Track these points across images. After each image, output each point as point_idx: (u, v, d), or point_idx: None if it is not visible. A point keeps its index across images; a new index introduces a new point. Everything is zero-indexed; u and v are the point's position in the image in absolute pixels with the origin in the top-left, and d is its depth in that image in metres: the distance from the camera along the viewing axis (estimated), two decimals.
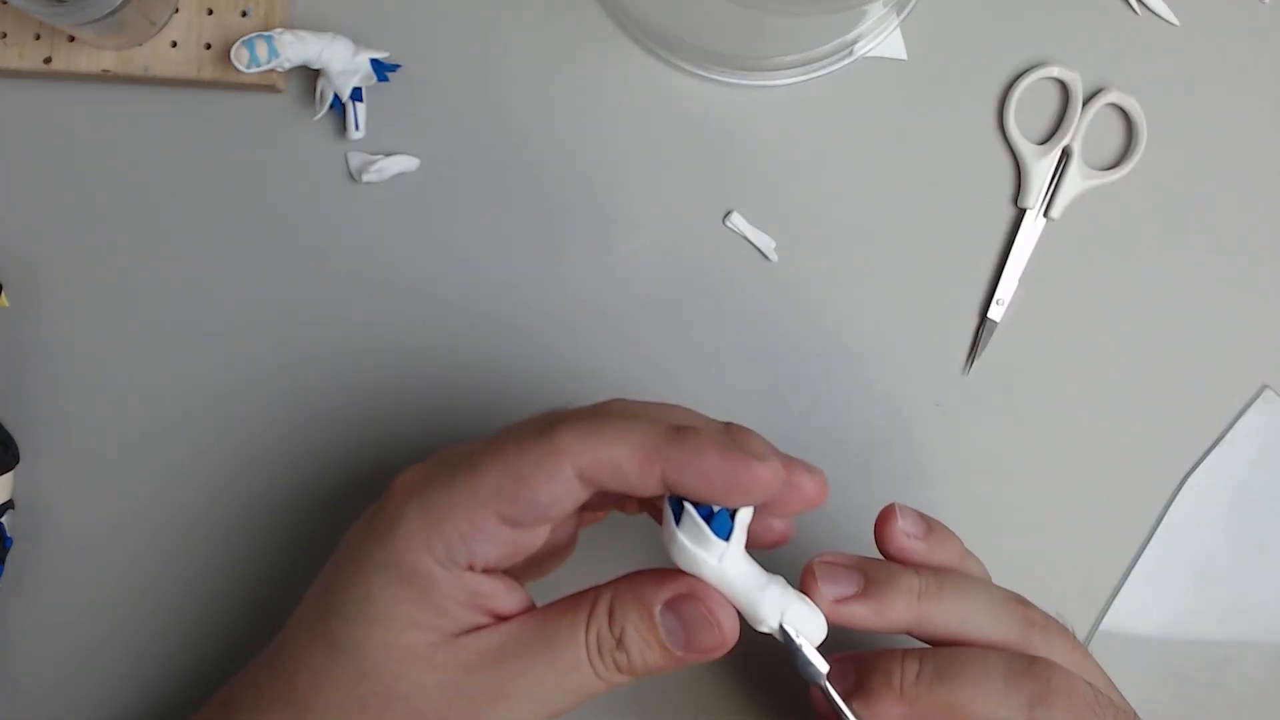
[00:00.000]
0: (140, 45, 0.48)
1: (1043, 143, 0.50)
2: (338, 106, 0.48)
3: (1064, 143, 0.49)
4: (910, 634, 0.38)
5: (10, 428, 0.47)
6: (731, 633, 0.35)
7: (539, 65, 0.49)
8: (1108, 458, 0.49)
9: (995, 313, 0.49)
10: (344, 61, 0.47)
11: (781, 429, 0.48)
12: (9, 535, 0.47)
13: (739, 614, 0.35)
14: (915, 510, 0.40)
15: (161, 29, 0.48)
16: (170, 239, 0.49)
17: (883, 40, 0.50)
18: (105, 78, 0.48)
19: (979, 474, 0.49)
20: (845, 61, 0.49)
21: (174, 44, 0.48)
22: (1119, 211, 0.50)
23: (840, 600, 0.37)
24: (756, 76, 0.49)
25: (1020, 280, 0.49)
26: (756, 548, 0.36)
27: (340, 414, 0.48)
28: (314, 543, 0.47)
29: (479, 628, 0.35)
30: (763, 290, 0.49)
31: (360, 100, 0.48)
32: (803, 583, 0.38)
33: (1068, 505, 0.49)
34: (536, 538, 0.35)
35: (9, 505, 0.47)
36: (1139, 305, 0.49)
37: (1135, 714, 0.39)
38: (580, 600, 0.36)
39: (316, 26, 0.47)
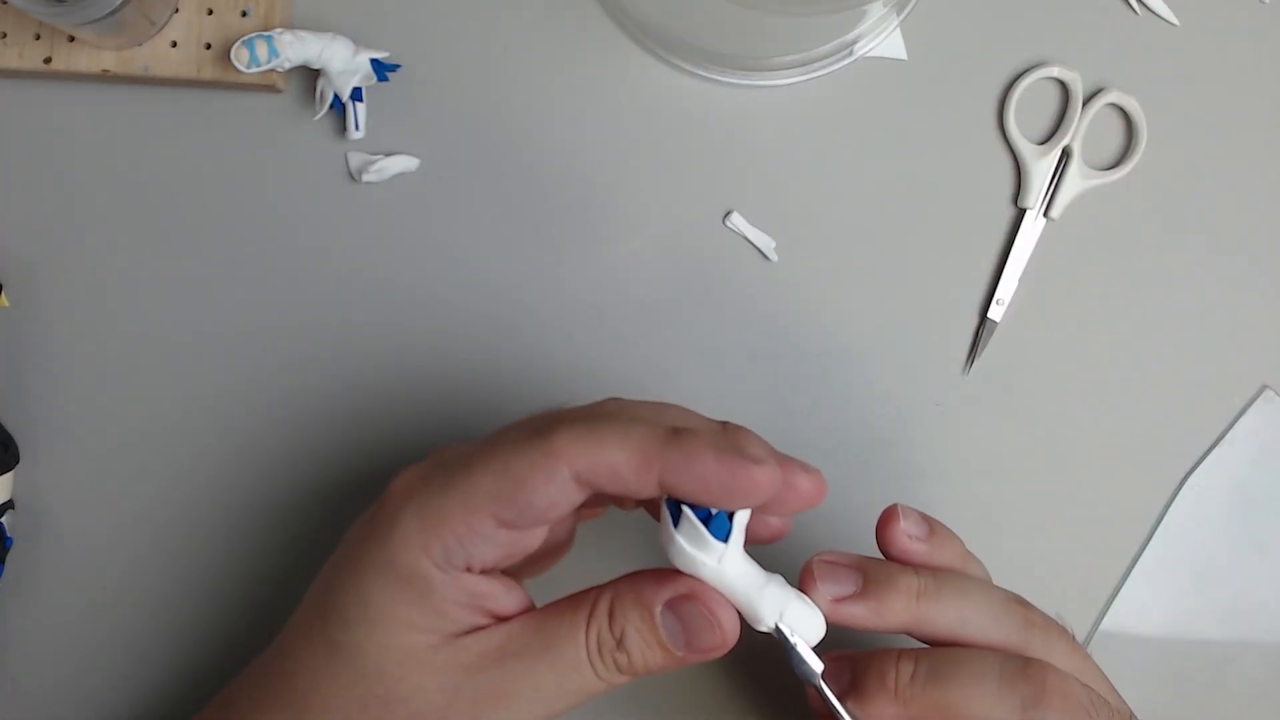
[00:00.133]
0: (140, 45, 0.48)
1: (1043, 143, 0.50)
2: (338, 106, 0.48)
3: (1064, 143, 0.49)
4: (909, 634, 0.38)
5: (10, 428, 0.47)
6: (732, 633, 0.35)
7: (539, 65, 0.49)
8: (1108, 458, 0.49)
9: (995, 313, 0.49)
10: (344, 61, 0.47)
11: (781, 429, 0.48)
12: (9, 535, 0.47)
13: (739, 613, 0.35)
14: (917, 511, 0.40)
15: (161, 29, 0.48)
16: (170, 239, 0.49)
17: (883, 40, 0.50)
18: (105, 78, 0.48)
19: (979, 474, 0.49)
20: (845, 61, 0.49)
21: (174, 44, 0.48)
22: (1119, 211, 0.50)
23: (839, 600, 0.37)
24: (756, 76, 0.49)
25: (1020, 280, 0.49)
26: (754, 543, 0.36)
27: (340, 414, 0.48)
28: (314, 542, 0.47)
29: (478, 629, 0.35)
30: (763, 290, 0.49)
31: (360, 100, 0.48)
32: (802, 582, 0.38)
33: (1068, 505, 0.49)
34: (534, 539, 0.35)
35: (9, 505, 0.47)
36: (1139, 305, 0.49)
37: (1133, 715, 0.39)
38: (580, 601, 0.36)
39: (316, 26, 0.47)
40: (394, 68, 0.48)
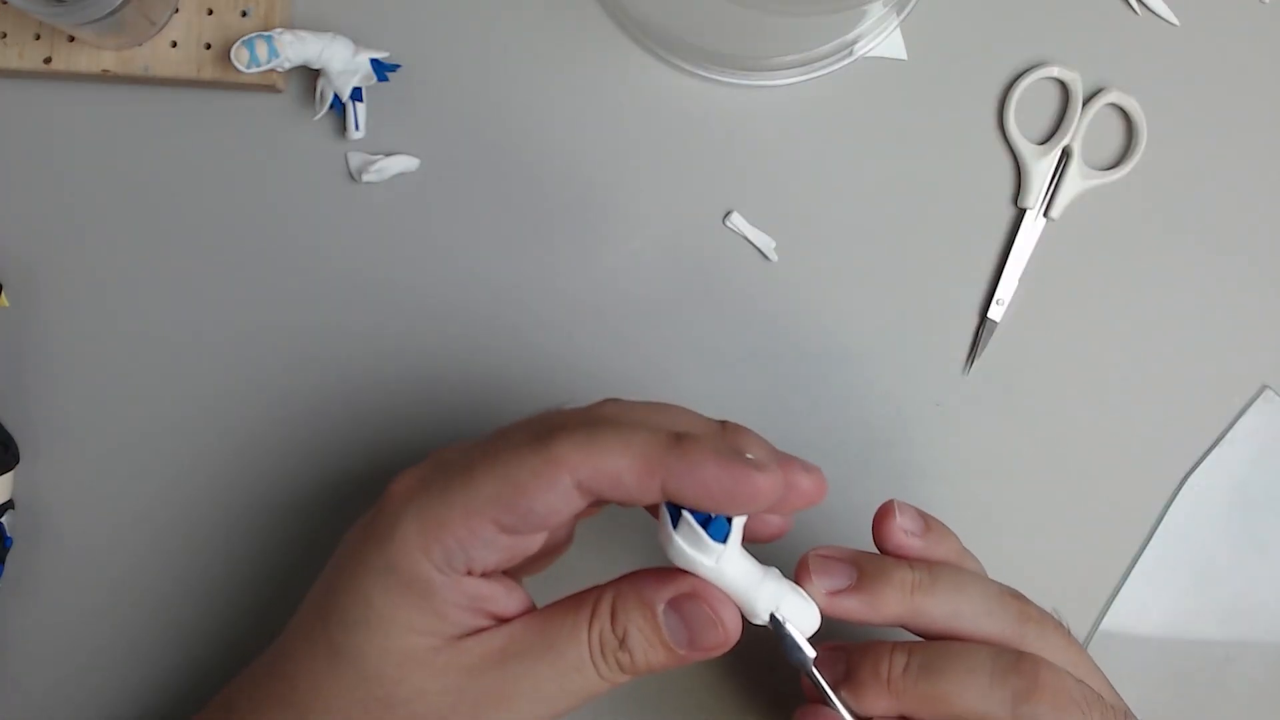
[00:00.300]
0: (140, 45, 0.48)
1: (1043, 143, 0.50)
2: (338, 106, 0.48)
3: (1064, 143, 0.49)
4: (904, 627, 0.39)
5: (10, 428, 0.47)
6: (735, 631, 0.35)
7: (539, 65, 0.49)
8: (1108, 458, 0.49)
9: (995, 313, 0.49)
10: (344, 61, 0.47)
11: (781, 429, 0.48)
12: (9, 535, 0.47)
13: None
14: (913, 507, 0.40)
15: (161, 29, 0.48)
16: (170, 239, 0.49)
17: (883, 40, 0.50)
18: (105, 78, 0.48)
19: (979, 474, 0.49)
20: (845, 61, 0.49)
21: (174, 44, 0.48)
22: (1119, 211, 0.50)
23: (834, 593, 0.38)
24: (756, 76, 0.49)
25: (1020, 280, 0.49)
26: (754, 541, 0.36)
27: (340, 414, 0.48)
28: (314, 543, 0.47)
29: (479, 630, 0.35)
30: (763, 290, 0.49)
31: (360, 100, 0.48)
32: (797, 576, 0.38)
33: (1068, 505, 0.49)
34: (534, 542, 0.35)
35: (9, 505, 0.47)
36: (1139, 305, 0.49)
37: (1129, 711, 0.39)
38: (581, 601, 0.36)
39: (316, 26, 0.47)
40: (394, 68, 0.48)
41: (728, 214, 0.49)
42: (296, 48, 0.46)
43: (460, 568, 0.34)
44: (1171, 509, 0.49)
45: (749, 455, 0.34)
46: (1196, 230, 0.50)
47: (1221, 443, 0.49)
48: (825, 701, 0.37)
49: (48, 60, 0.47)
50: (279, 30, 0.46)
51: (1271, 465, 0.49)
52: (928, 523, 0.40)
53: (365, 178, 0.48)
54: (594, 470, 0.33)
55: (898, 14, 0.50)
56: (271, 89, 0.48)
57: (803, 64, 0.49)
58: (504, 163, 0.49)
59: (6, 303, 0.48)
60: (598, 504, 0.39)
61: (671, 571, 0.35)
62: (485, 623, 0.35)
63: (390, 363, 0.48)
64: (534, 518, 0.33)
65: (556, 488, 0.33)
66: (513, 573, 0.38)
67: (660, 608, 0.35)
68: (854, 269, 0.49)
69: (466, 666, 0.34)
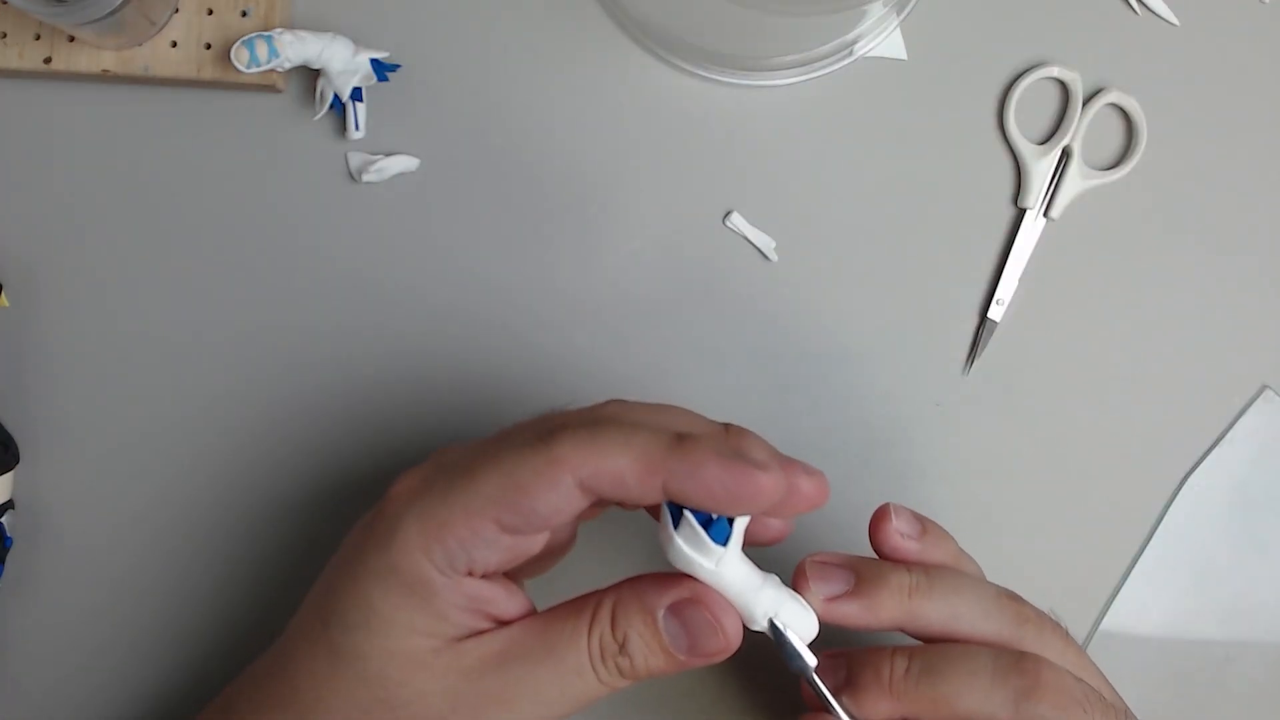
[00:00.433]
0: (140, 45, 0.48)
1: (1043, 143, 0.50)
2: (338, 106, 0.48)
3: (1064, 143, 0.49)
4: (903, 631, 0.39)
5: (10, 428, 0.47)
6: (735, 637, 0.35)
7: (539, 65, 0.49)
8: (1108, 458, 0.49)
9: (995, 313, 0.49)
10: (344, 61, 0.47)
11: (781, 429, 0.48)
12: (9, 535, 0.47)
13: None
14: (909, 510, 0.40)
15: (161, 29, 0.48)
16: (170, 239, 0.49)
17: (883, 40, 0.50)
18: (105, 78, 0.48)
19: (979, 474, 0.49)
20: (845, 61, 0.49)
21: (174, 44, 0.48)
22: (1119, 211, 0.50)
23: (832, 599, 0.37)
24: (756, 76, 0.49)
25: (1020, 280, 0.49)
26: (754, 545, 0.36)
27: (340, 414, 0.48)
28: (314, 543, 0.47)
29: (480, 632, 0.35)
30: (763, 290, 0.49)
31: (360, 100, 0.48)
32: (795, 582, 0.38)
33: (1068, 505, 0.49)
34: (536, 543, 0.35)
35: (9, 505, 0.47)
36: (1139, 305, 0.49)
37: (1129, 711, 0.39)
38: (582, 605, 0.36)
39: (316, 26, 0.47)
40: (394, 68, 0.48)
41: (728, 214, 0.49)
42: (296, 48, 0.46)
43: (461, 569, 0.34)
44: (1171, 509, 0.49)
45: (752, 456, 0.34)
46: (1196, 230, 0.50)
47: (1221, 443, 0.49)
48: (827, 709, 0.37)
49: (48, 60, 0.47)
50: (279, 30, 0.46)
51: (1271, 465, 0.49)
52: (924, 525, 0.40)
53: (365, 178, 0.48)
54: (596, 470, 0.33)
55: (898, 14, 0.50)
56: (271, 89, 0.48)
57: (803, 64, 0.49)
58: (504, 163, 0.49)
59: (6, 303, 0.48)
60: (600, 505, 0.39)
61: (673, 577, 0.35)
62: (485, 625, 0.35)
63: (390, 363, 0.48)
64: (536, 518, 0.33)
65: (559, 487, 0.33)
66: (516, 575, 0.38)
67: (660, 613, 0.35)
68: (854, 269, 0.49)
69: (466, 669, 0.34)
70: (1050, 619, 0.39)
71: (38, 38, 0.47)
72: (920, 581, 0.38)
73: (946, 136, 0.50)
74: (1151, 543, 0.48)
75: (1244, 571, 0.49)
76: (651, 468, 0.33)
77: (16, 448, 0.47)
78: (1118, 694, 0.39)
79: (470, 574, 0.34)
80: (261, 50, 0.46)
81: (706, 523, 0.34)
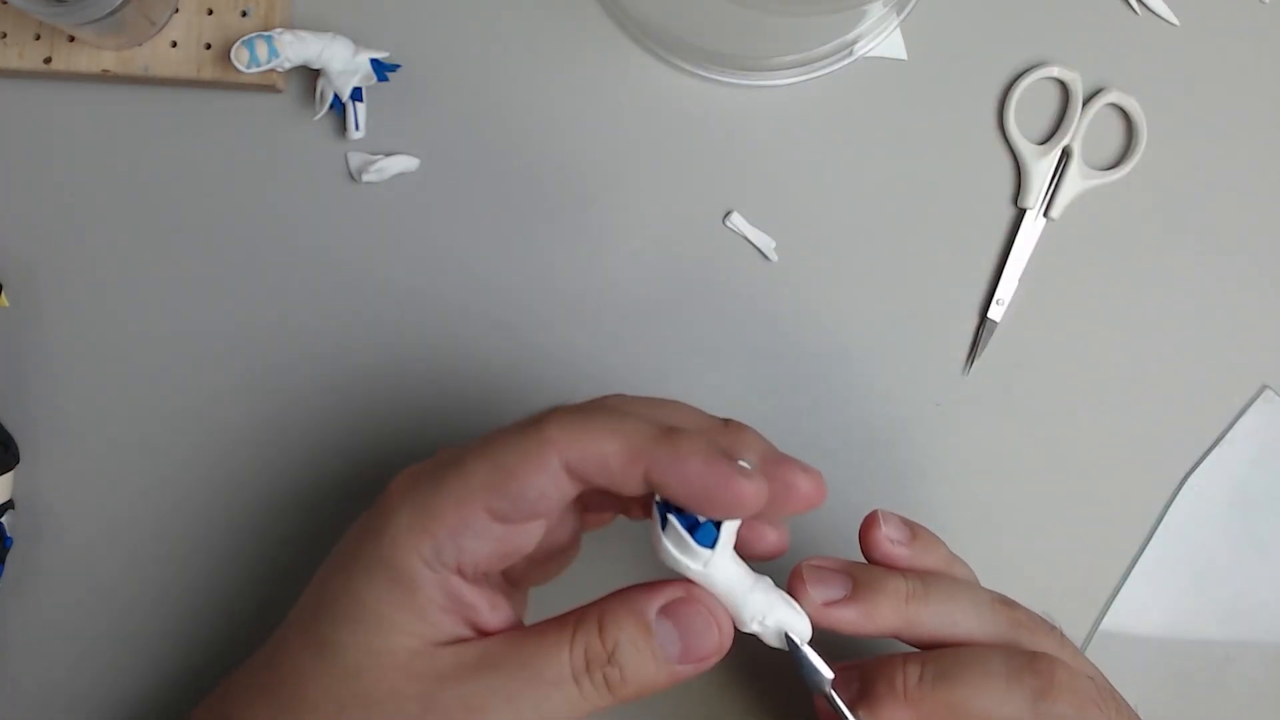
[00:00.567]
0: (140, 45, 0.48)
1: (1043, 143, 0.50)
2: (338, 106, 0.48)
3: (1064, 143, 0.49)
4: (898, 637, 0.38)
5: (10, 428, 0.47)
6: (729, 635, 0.35)
7: (539, 65, 0.49)
8: (1108, 458, 0.49)
9: (995, 313, 0.49)
10: (344, 61, 0.47)
11: (781, 429, 0.47)
12: (9, 535, 0.47)
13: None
14: (898, 516, 0.40)
15: (161, 29, 0.48)
16: (170, 239, 0.49)
17: (883, 40, 0.50)
18: (105, 78, 0.48)
19: (979, 474, 0.49)
20: (845, 61, 0.49)
21: (174, 44, 0.48)
22: (1119, 211, 0.50)
23: (828, 604, 0.37)
24: (756, 76, 0.49)
25: (1020, 280, 0.49)
26: (750, 558, 0.36)
27: (340, 413, 0.48)
28: (314, 541, 0.47)
29: (462, 640, 0.35)
30: (763, 290, 0.49)
31: (360, 100, 0.48)
32: (791, 586, 0.37)
33: (1068, 505, 0.49)
34: (529, 536, 0.35)
35: (9, 505, 0.47)
36: (1139, 305, 0.49)
37: (1134, 712, 0.39)
38: (564, 618, 0.35)
39: (316, 26, 0.47)
40: (394, 68, 0.48)
41: (728, 214, 0.49)
42: (296, 48, 0.46)
43: (450, 563, 0.34)
44: (1171, 509, 0.49)
45: (743, 461, 0.34)
46: (1196, 230, 0.50)
47: (1221, 443, 0.49)
48: None
49: (48, 60, 0.47)
50: (279, 30, 0.46)
51: (1271, 465, 0.49)
52: (914, 530, 0.40)
53: (365, 178, 0.48)
54: (582, 453, 0.33)
55: (898, 14, 0.50)
56: (271, 89, 0.48)
57: (803, 64, 0.49)
58: (504, 163, 0.49)
59: (6, 303, 0.48)
60: (604, 506, 0.39)
61: (662, 582, 0.35)
62: (467, 633, 0.35)
63: (390, 363, 0.48)
64: (525, 502, 0.33)
65: (545, 470, 0.33)
66: (517, 581, 0.38)
67: (652, 615, 0.34)
68: (854, 269, 0.49)
69: (439, 673, 0.34)
70: (1045, 622, 0.39)
71: (38, 38, 0.47)
72: (916, 588, 0.38)
73: (946, 136, 0.50)
74: (1151, 543, 0.48)
75: (1244, 571, 0.49)
76: (635, 455, 0.33)
77: (16, 448, 0.47)
78: (1119, 695, 0.39)
79: (460, 570, 0.34)
80: (261, 50, 0.46)
81: (693, 526, 0.34)
